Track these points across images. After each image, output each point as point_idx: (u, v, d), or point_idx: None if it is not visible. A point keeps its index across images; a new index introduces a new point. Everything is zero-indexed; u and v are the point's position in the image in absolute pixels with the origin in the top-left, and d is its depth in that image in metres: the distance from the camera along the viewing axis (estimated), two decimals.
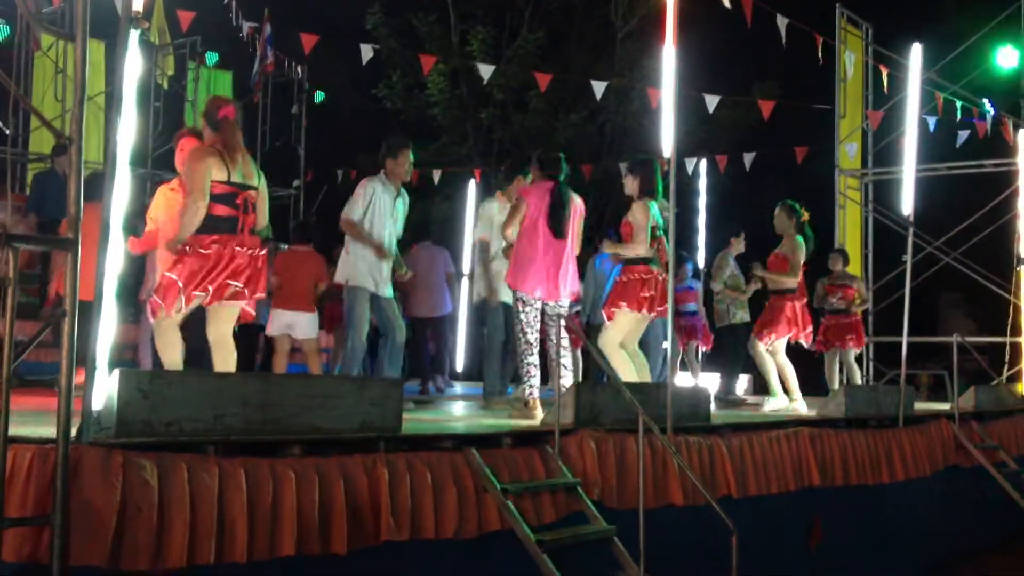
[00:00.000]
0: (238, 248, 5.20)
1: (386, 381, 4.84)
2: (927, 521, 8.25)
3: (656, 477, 5.64)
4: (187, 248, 5.21)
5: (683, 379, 10.40)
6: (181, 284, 5.17)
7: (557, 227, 6.71)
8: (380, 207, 7.25)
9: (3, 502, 3.30)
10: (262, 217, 5.50)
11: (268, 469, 3.98)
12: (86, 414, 3.60)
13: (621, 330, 6.94)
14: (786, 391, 8.71)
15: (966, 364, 10.18)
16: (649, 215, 6.92)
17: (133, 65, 3.89)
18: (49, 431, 3.52)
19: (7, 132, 12.71)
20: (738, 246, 10.74)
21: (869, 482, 7.50)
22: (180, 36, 14.32)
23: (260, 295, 5.41)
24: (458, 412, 7.62)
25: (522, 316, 6.74)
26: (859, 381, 10.57)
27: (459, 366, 12.92)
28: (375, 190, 7.27)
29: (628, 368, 6.81)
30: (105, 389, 3.65)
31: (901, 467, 7.90)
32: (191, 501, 3.67)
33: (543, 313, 6.79)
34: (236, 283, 5.23)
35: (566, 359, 6.73)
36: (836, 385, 10.45)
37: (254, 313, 5.56)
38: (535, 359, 6.71)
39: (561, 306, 6.84)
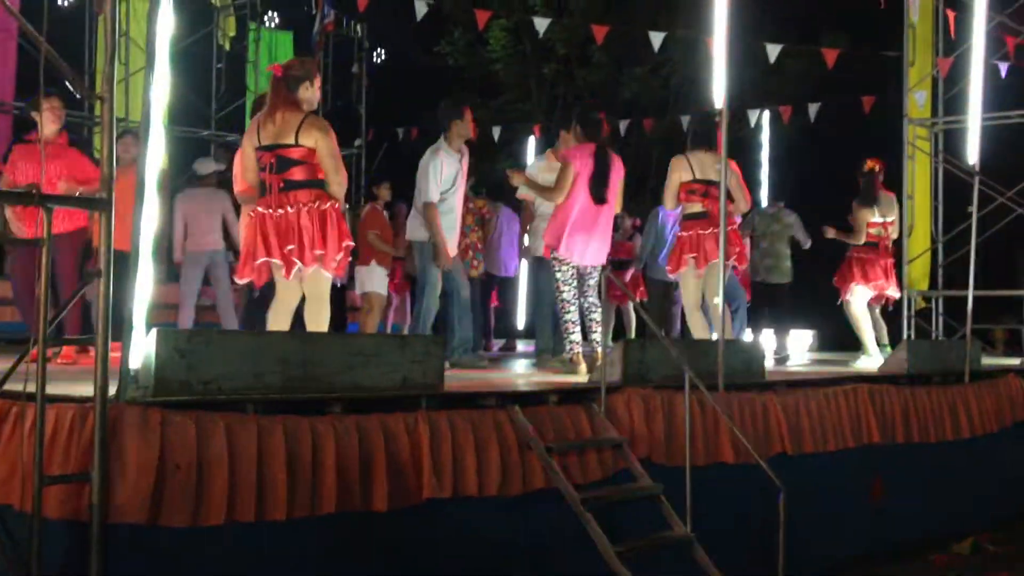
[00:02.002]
0: (262, 210, 5.17)
1: (427, 338, 4.82)
2: (995, 479, 8.05)
3: (707, 435, 5.57)
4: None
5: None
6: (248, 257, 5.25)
7: (599, 194, 6.69)
8: (449, 177, 7.18)
9: (42, 460, 3.35)
10: (328, 175, 5.22)
11: (308, 427, 3.99)
12: (124, 373, 3.64)
13: (687, 290, 7.05)
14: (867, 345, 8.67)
15: None
16: (690, 168, 6.89)
17: (166, 24, 3.89)
18: (88, 390, 3.56)
19: (77, 96, 12.90)
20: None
21: (932, 439, 7.32)
22: None
23: (328, 252, 5.16)
24: (509, 370, 7.60)
25: (558, 275, 6.77)
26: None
27: (520, 324, 12.90)
28: (441, 162, 7.15)
29: (705, 329, 6.85)
30: (143, 348, 3.68)
31: (967, 424, 7.71)
32: (230, 459, 3.70)
33: (578, 273, 6.80)
34: (289, 246, 5.18)
35: (596, 315, 6.81)
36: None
37: (336, 272, 5.49)
38: (574, 316, 6.71)
39: (595, 268, 6.86)
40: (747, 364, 6.21)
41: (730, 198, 6.69)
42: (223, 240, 8.17)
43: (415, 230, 7.28)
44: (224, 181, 8.06)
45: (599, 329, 6.85)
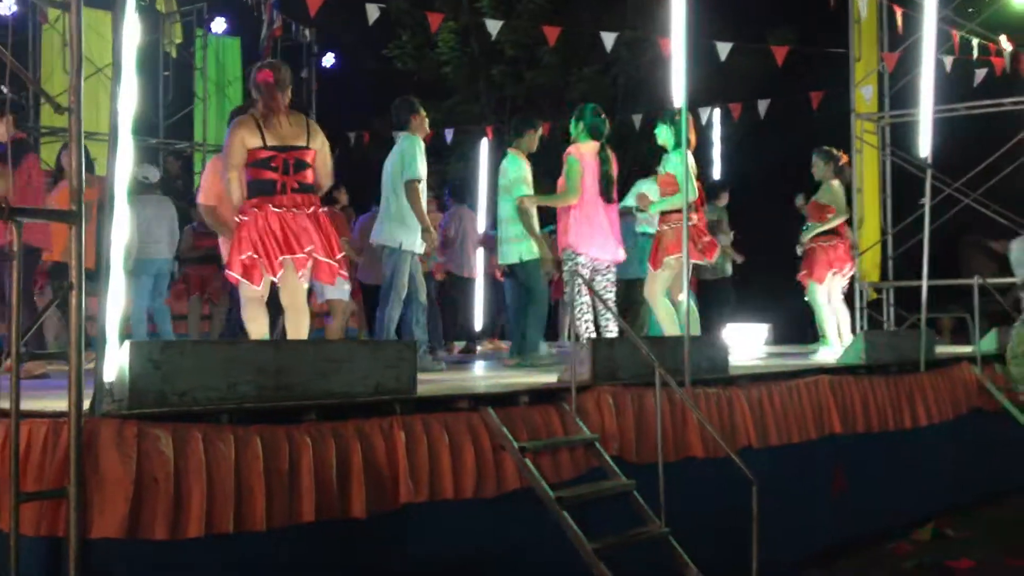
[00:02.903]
0: (275, 209, 5.19)
1: (399, 343, 4.82)
2: (952, 465, 8.21)
3: (676, 430, 5.62)
4: (236, 218, 5.37)
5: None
6: (238, 254, 5.24)
7: (609, 193, 6.81)
8: (424, 165, 7.18)
9: (19, 476, 3.31)
10: (322, 178, 5.49)
11: (284, 436, 3.98)
12: (98, 386, 3.61)
13: (665, 280, 7.09)
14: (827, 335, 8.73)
15: (988, 306, 10.05)
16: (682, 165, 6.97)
17: (132, 34, 3.85)
18: (64, 405, 3.52)
19: (23, 105, 12.72)
20: (724, 198, 10.66)
21: (891, 428, 7.46)
22: (186, 4, 14.24)
23: (328, 257, 5.31)
24: (479, 372, 7.60)
25: (580, 279, 6.83)
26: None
27: (478, 326, 12.89)
28: (419, 147, 7.14)
29: (673, 319, 6.90)
30: (117, 361, 3.65)
31: (924, 412, 7.85)
32: (207, 470, 3.68)
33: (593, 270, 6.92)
34: (299, 249, 5.22)
35: (611, 315, 6.85)
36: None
37: (344, 274, 5.57)
38: (591, 316, 6.81)
39: (611, 266, 7.02)
40: (712, 359, 6.28)
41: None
42: (169, 250, 8.10)
43: (386, 234, 7.20)
44: (170, 190, 8.01)
45: (614, 328, 6.88)
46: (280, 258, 5.20)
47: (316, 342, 5.46)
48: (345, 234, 8.71)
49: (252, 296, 5.41)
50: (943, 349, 9.63)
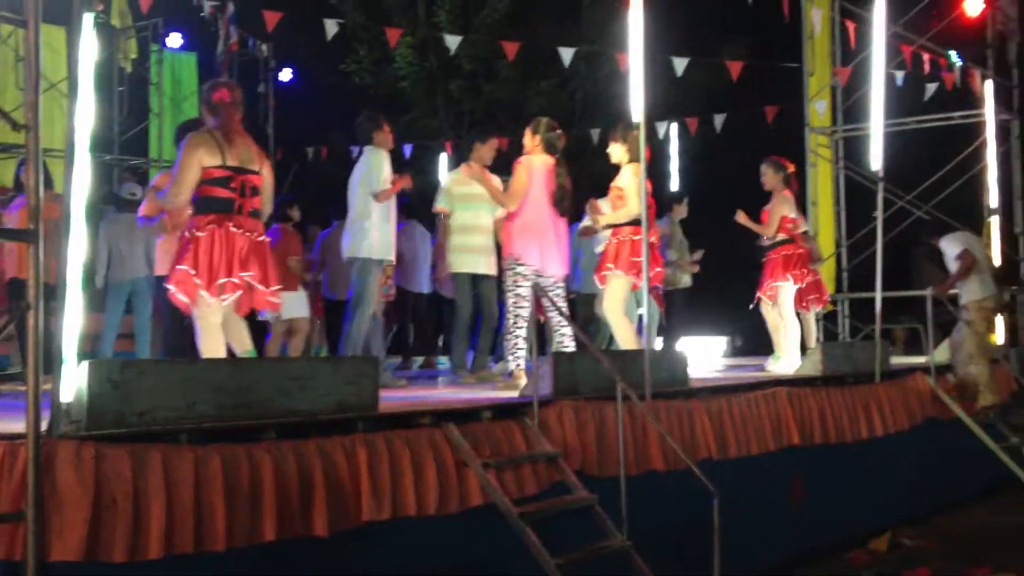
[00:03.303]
0: (234, 228, 5.15)
1: (361, 360, 4.81)
2: (908, 475, 8.31)
3: (636, 444, 5.65)
4: (186, 233, 5.23)
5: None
6: (193, 272, 5.13)
7: (563, 207, 6.80)
8: (388, 176, 7.18)
9: None
10: (266, 204, 5.48)
11: (245, 455, 3.95)
12: (55, 407, 3.56)
13: (621, 293, 6.97)
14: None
15: (940, 316, 10.21)
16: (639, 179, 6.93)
17: (89, 49, 3.82)
18: (19, 427, 3.47)
19: None
20: (680, 211, 10.65)
21: (848, 439, 7.54)
22: (141, 19, 14.10)
23: (275, 285, 5.31)
24: (437, 388, 7.60)
25: (520, 290, 6.75)
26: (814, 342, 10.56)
27: (438, 341, 12.87)
28: (383, 160, 7.15)
29: (631, 333, 6.88)
30: (74, 381, 3.61)
31: (880, 422, 7.95)
32: (167, 491, 3.64)
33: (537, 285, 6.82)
34: (247, 273, 5.18)
35: (567, 329, 6.79)
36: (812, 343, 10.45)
37: (278, 303, 5.49)
38: (524, 332, 6.71)
39: (558, 282, 6.92)
40: (672, 372, 6.32)
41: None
42: (146, 267, 8.01)
43: (353, 245, 7.17)
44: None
45: (570, 344, 6.82)
46: (237, 276, 5.15)
47: (277, 360, 5.45)
48: (297, 252, 8.67)
49: (213, 323, 5.25)
50: (897, 360, 9.76)
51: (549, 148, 6.93)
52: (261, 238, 5.31)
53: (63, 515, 3.40)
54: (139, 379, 3.74)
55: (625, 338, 6.90)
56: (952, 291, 9.34)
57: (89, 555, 3.43)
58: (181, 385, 3.87)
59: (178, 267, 5.15)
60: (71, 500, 3.42)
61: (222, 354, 5.20)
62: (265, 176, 5.43)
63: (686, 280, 10.58)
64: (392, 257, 7.30)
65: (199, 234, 5.16)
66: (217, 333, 5.21)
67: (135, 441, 3.67)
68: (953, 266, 9.16)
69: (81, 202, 3.68)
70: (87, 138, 3.73)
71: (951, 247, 9.24)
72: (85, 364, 3.61)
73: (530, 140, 7.00)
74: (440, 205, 7.94)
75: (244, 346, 5.36)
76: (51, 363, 3.57)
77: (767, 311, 8.78)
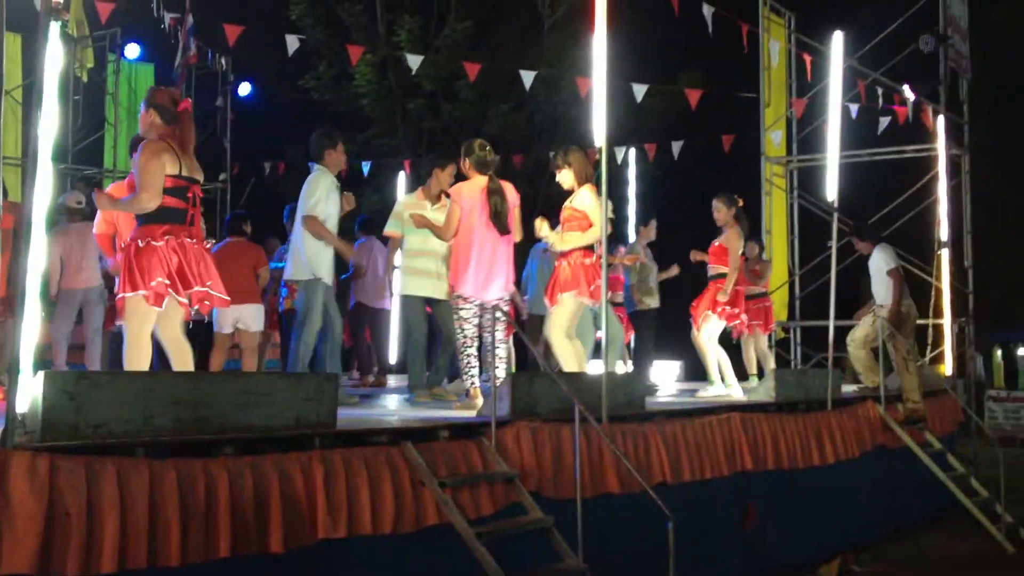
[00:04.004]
0: (188, 240, 5.13)
1: (320, 376, 4.78)
2: (858, 502, 8.41)
3: (592, 466, 5.66)
4: (139, 241, 5.14)
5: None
6: (168, 282, 5.08)
7: (501, 225, 6.76)
8: (333, 200, 7.16)
9: None
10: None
11: (201, 470, 3.90)
12: (10, 417, 3.50)
13: (568, 316, 6.91)
14: (722, 378, 8.78)
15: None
16: (596, 201, 6.92)
17: (54, 58, 3.79)
18: None
19: None
20: (648, 233, 10.72)
21: (800, 465, 7.62)
22: (99, 28, 13.98)
23: (223, 294, 5.29)
24: (393, 406, 7.57)
25: (462, 312, 6.79)
26: (772, 366, 10.72)
27: (392, 359, 12.83)
28: (329, 183, 7.14)
29: (574, 356, 6.85)
30: (30, 391, 3.55)
31: (831, 449, 8.04)
32: (121, 505, 3.59)
33: (481, 307, 6.81)
34: (203, 286, 5.15)
35: (500, 351, 6.76)
36: (754, 370, 10.57)
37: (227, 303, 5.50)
38: (474, 351, 6.76)
39: (499, 299, 6.86)
40: (629, 396, 6.35)
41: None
42: (99, 277, 7.92)
43: (294, 267, 7.17)
44: (91, 215, 7.83)
45: (501, 364, 6.80)
46: (195, 288, 5.12)
47: (236, 374, 5.40)
48: (262, 264, 8.62)
49: (147, 333, 5.18)
50: (847, 387, 9.89)
51: (481, 167, 6.92)
52: (208, 246, 5.37)
53: (15, 527, 3.34)
54: (95, 391, 3.69)
55: (567, 360, 6.86)
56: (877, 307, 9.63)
57: (41, 569, 3.37)
58: (138, 398, 3.83)
59: (154, 281, 5.06)
60: (24, 512, 3.35)
61: (145, 366, 5.13)
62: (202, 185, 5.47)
63: (654, 302, 10.64)
64: (329, 280, 7.27)
65: (156, 243, 5.09)
66: (148, 344, 5.16)
67: (90, 453, 3.62)
68: (877, 277, 9.63)
69: (42, 212, 3.64)
70: (49, 148, 3.69)
71: (885, 260, 9.63)
72: (40, 375, 3.55)
73: (464, 164, 7.02)
74: (391, 229, 7.90)
75: (189, 366, 5.31)
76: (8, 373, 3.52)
77: (694, 336, 8.90)
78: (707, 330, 8.81)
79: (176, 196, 5.19)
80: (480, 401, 6.45)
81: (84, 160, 14.45)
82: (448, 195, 7.29)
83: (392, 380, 11.60)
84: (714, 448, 6.77)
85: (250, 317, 8.20)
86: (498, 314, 6.48)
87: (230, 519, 3.91)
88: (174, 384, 4.04)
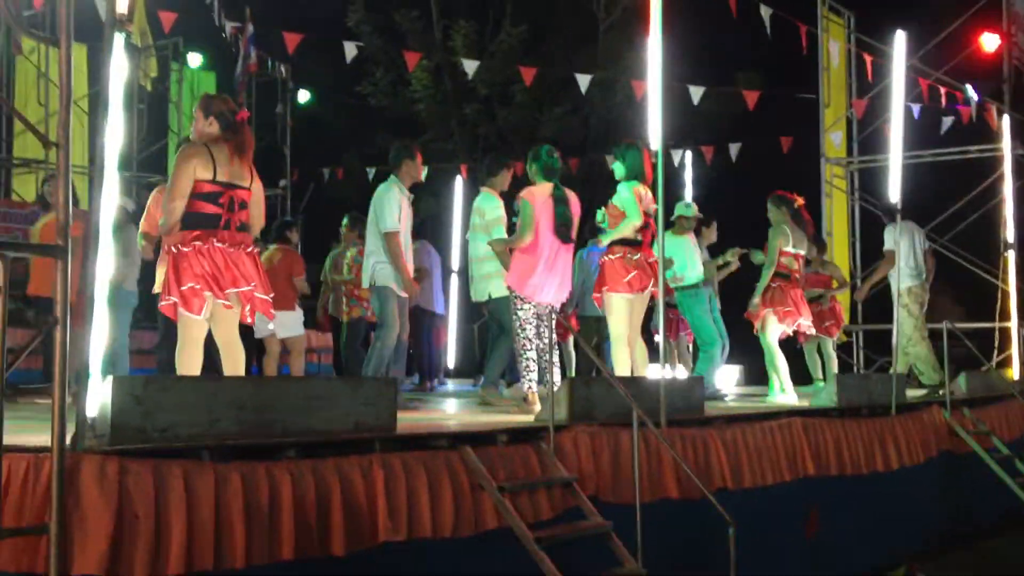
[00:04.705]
0: (218, 244, 5.15)
1: (379, 380, 4.82)
2: (923, 508, 8.27)
3: (651, 471, 5.63)
4: (173, 248, 5.20)
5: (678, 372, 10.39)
6: (181, 285, 5.12)
7: (565, 234, 6.80)
8: (405, 212, 7.21)
9: (0, 512, 3.28)
10: (257, 219, 5.48)
11: (264, 472, 3.96)
12: (80, 422, 3.58)
13: (619, 316, 6.94)
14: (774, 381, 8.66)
15: (956, 350, 10.19)
16: (635, 197, 6.94)
17: (119, 69, 3.86)
18: (43, 440, 3.49)
19: None
20: (710, 235, 10.56)
21: (863, 471, 7.51)
22: (162, 37, 14.26)
23: (264, 295, 5.31)
24: (453, 410, 7.60)
25: (520, 314, 6.83)
26: (835, 370, 10.54)
27: (451, 363, 12.91)
28: (396, 194, 7.18)
29: (625, 366, 6.86)
30: (99, 396, 3.63)
31: (895, 455, 7.91)
32: (188, 507, 3.65)
33: (536, 310, 6.84)
34: (234, 288, 5.19)
35: (554, 356, 6.78)
36: (819, 374, 10.42)
37: (272, 313, 5.54)
38: (533, 354, 6.78)
39: (553, 304, 6.92)
40: (687, 400, 6.31)
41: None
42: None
43: (367, 273, 7.21)
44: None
45: (555, 370, 6.81)
46: (228, 291, 5.16)
47: (298, 378, 5.46)
48: (300, 272, 8.77)
49: (195, 336, 5.22)
50: (912, 392, 9.73)
51: (548, 173, 6.96)
52: (250, 249, 5.31)
53: (86, 529, 3.41)
54: (162, 395, 3.76)
55: (620, 361, 6.87)
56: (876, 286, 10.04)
57: (111, 570, 3.44)
58: (203, 402, 3.89)
59: (185, 286, 5.10)
60: (94, 514, 3.43)
61: (196, 370, 5.19)
62: (255, 191, 5.42)
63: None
64: (416, 292, 7.36)
65: (184, 249, 5.13)
66: (195, 358, 5.20)
67: (157, 457, 3.69)
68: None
69: (109, 219, 3.71)
70: (116, 157, 3.77)
71: (886, 239, 9.89)
72: (109, 379, 3.63)
73: (530, 169, 7.06)
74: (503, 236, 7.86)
75: (240, 371, 5.36)
76: (77, 378, 3.59)
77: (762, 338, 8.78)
78: (769, 332, 8.69)
79: (208, 201, 5.18)
80: (538, 406, 6.47)
81: (149, 167, 14.72)
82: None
83: (451, 383, 11.67)
84: (775, 453, 6.70)
85: (287, 323, 8.36)
86: (554, 317, 6.52)
87: (293, 522, 3.96)
88: (238, 388, 4.10)
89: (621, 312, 6.96)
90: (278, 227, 9.22)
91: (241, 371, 5.34)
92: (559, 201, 6.87)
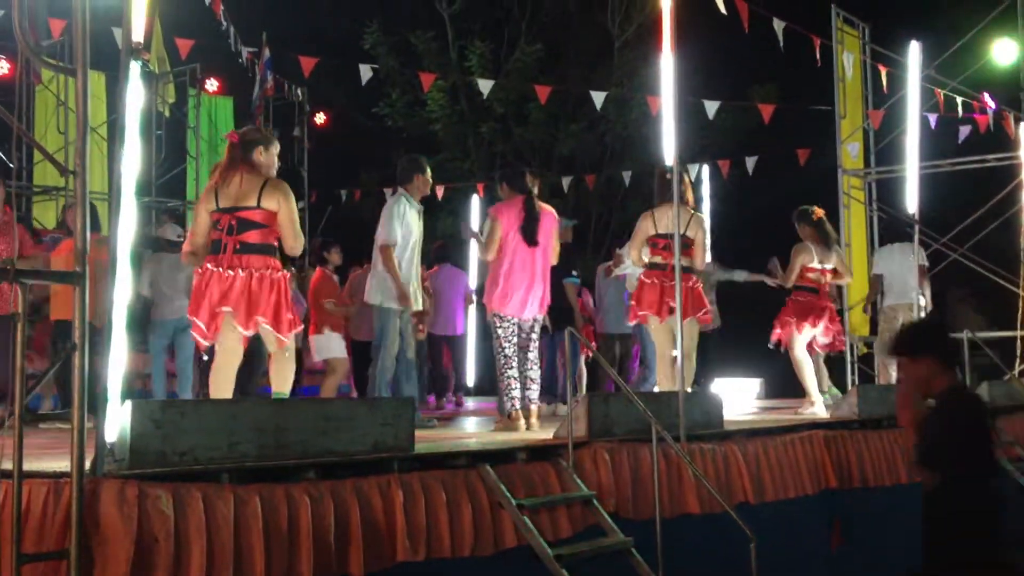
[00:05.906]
0: (214, 268, 5.27)
1: (397, 401, 4.84)
2: None
3: (672, 486, 5.63)
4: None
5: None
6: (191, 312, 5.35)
7: (530, 238, 6.75)
8: (408, 224, 7.23)
9: (20, 537, 3.30)
10: (287, 239, 5.47)
11: (283, 495, 3.98)
12: (100, 446, 3.61)
13: (660, 338, 7.30)
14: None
15: (977, 360, 10.11)
16: (655, 221, 7.10)
17: (135, 96, 3.91)
18: (63, 465, 3.52)
19: (11, 166, 12.76)
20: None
21: (887, 483, 7.46)
22: (179, 64, 14.36)
23: (261, 318, 5.30)
24: (471, 428, 7.60)
25: (499, 331, 6.77)
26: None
27: (470, 382, 12.90)
28: (405, 208, 7.22)
29: (668, 380, 6.99)
30: (118, 420, 3.66)
31: None
32: (207, 530, 3.67)
33: (519, 328, 6.82)
34: (227, 307, 5.26)
35: (534, 372, 6.84)
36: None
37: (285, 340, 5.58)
38: (514, 372, 6.73)
39: (536, 320, 6.92)
40: (707, 414, 6.30)
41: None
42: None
43: (371, 292, 7.25)
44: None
45: (533, 387, 6.83)
46: (221, 308, 5.24)
47: (315, 400, 5.49)
48: (332, 294, 8.78)
49: (221, 359, 5.35)
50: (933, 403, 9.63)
51: (517, 188, 6.97)
52: (257, 272, 5.27)
53: (106, 553, 3.44)
54: (181, 419, 3.79)
55: (661, 381, 7.00)
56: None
57: None
58: (222, 425, 3.92)
59: (200, 310, 5.30)
60: (114, 538, 3.45)
61: (226, 391, 5.26)
62: (273, 209, 5.37)
63: (716, 322, 10.53)
64: (412, 306, 7.31)
65: (197, 276, 5.40)
66: (229, 371, 5.33)
67: (177, 480, 3.71)
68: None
69: (127, 245, 3.75)
70: (133, 183, 3.81)
71: (876, 263, 10.71)
72: (128, 404, 3.66)
73: (501, 189, 7.09)
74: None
75: (282, 388, 5.44)
76: (95, 403, 3.62)
77: (790, 354, 8.76)
78: (796, 344, 8.66)
79: (213, 228, 5.42)
80: (521, 423, 6.53)
81: (167, 193, 14.79)
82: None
83: (471, 402, 11.66)
84: (797, 466, 6.67)
85: (318, 345, 8.43)
86: (534, 335, 6.75)
87: (312, 543, 3.98)
88: (257, 411, 4.13)
89: (661, 332, 7.35)
90: (317, 248, 9.33)
91: (289, 382, 5.48)
92: (527, 208, 6.82)
